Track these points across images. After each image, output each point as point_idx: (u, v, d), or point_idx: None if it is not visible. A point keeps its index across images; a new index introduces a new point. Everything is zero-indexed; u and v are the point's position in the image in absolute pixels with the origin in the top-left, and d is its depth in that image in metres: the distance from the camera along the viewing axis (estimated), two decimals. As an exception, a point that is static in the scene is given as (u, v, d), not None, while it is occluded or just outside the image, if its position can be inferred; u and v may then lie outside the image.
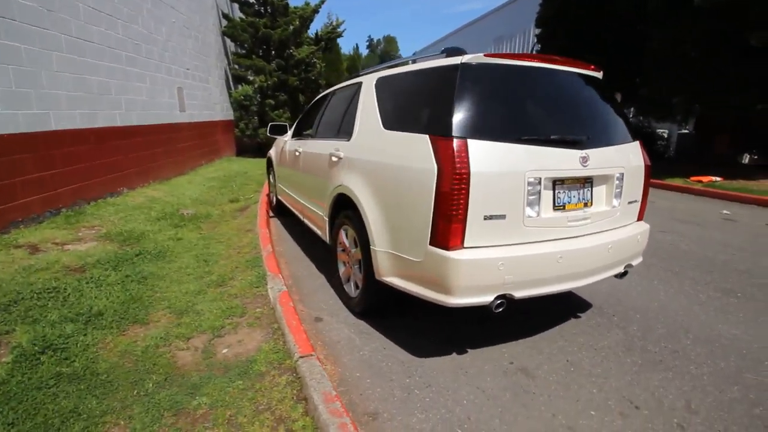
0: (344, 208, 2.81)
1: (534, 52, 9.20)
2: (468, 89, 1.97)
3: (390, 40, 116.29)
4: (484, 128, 1.93)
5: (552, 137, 2.08)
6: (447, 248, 1.88)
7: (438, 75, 2.16)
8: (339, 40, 13.65)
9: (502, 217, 1.93)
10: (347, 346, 2.38)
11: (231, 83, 11.70)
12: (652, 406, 1.87)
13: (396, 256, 2.20)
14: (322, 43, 13.12)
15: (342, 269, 2.98)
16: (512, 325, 2.57)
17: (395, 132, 2.33)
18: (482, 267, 1.88)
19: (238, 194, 6.49)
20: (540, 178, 2.01)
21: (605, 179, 2.29)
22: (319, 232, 3.46)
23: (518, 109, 2.13)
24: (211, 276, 3.24)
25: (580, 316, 2.73)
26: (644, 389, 2.00)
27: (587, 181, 2.21)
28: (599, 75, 2.49)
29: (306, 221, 3.85)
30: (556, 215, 2.09)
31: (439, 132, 1.94)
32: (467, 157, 1.84)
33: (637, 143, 2.54)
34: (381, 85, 2.71)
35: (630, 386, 2.02)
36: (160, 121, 7.24)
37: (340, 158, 2.83)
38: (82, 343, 2.24)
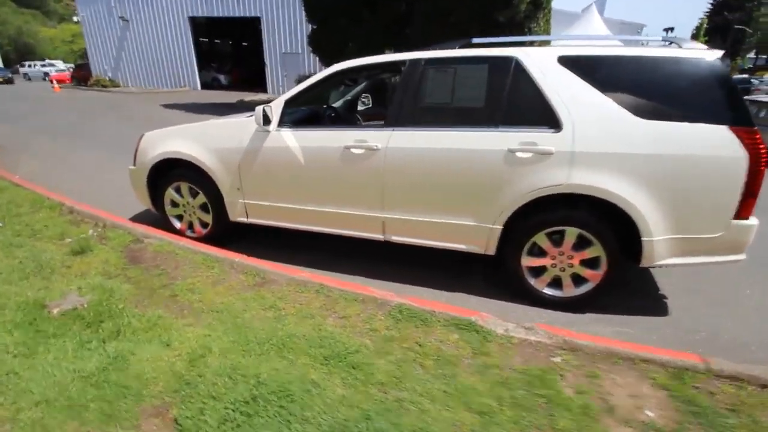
0: (544, 211, 2.61)
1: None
2: (732, 82, 2.36)
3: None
4: (747, 116, 2.35)
5: None
6: (747, 218, 2.38)
7: (701, 67, 2.35)
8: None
9: None
10: (628, 337, 2.47)
11: None
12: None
13: (682, 239, 2.45)
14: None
15: (535, 278, 2.79)
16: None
17: (662, 122, 2.36)
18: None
19: (64, 237, 3.32)
20: None
21: None
22: (460, 247, 2.88)
23: None
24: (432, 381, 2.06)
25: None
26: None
27: None
28: None
29: (410, 239, 3.01)
30: None
31: (740, 123, 2.27)
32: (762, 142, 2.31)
33: None
34: (580, 66, 2.50)
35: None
36: None
37: (548, 153, 2.49)
38: None
